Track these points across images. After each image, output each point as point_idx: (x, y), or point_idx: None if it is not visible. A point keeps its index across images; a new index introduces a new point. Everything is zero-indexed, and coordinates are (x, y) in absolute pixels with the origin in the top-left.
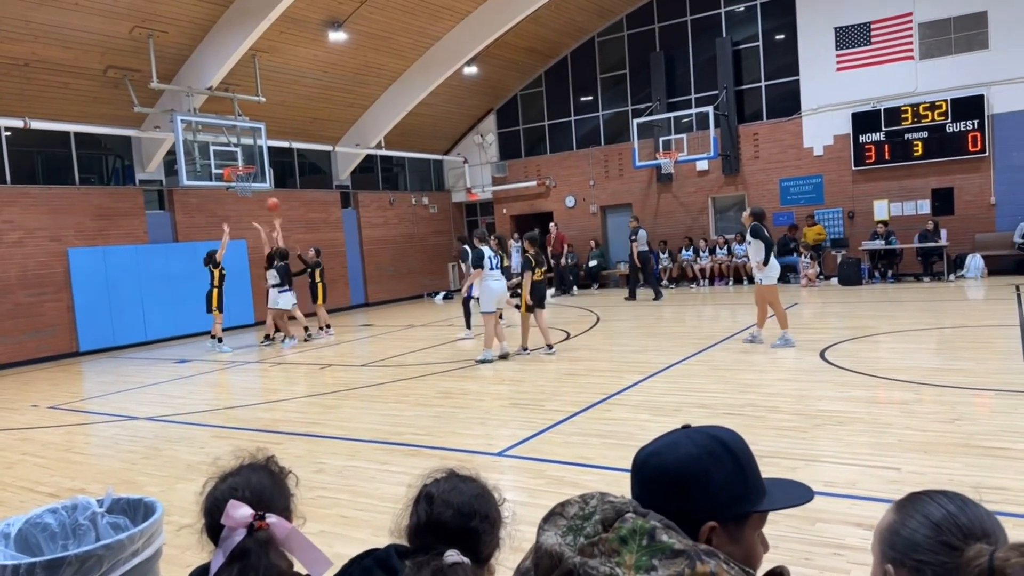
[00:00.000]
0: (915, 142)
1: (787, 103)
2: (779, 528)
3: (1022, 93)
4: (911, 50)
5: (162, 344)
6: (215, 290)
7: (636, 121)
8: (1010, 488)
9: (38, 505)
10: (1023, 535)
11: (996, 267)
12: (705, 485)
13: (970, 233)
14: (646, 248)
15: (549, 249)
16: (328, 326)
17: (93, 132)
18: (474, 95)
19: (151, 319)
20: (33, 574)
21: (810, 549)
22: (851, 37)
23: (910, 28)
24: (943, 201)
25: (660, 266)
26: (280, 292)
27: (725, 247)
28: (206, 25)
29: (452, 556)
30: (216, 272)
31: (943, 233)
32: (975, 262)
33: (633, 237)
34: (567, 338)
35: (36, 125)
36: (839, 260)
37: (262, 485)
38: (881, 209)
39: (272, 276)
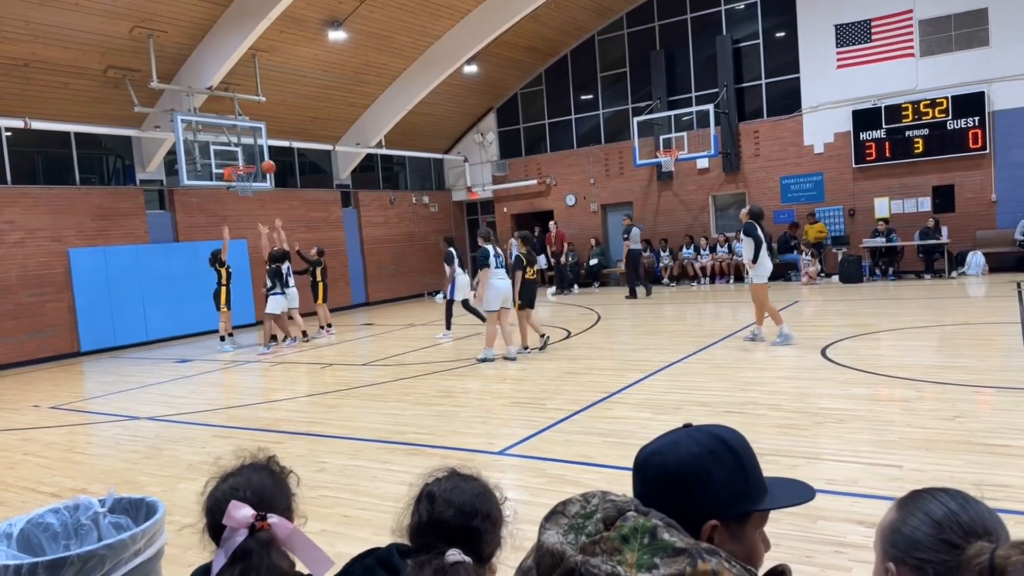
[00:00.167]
0: (916, 139)
1: (787, 101)
2: (780, 526)
3: (1023, 90)
4: (911, 47)
5: (163, 344)
6: (223, 288)
7: (636, 119)
8: (1012, 485)
9: (40, 505)
10: None
11: (997, 264)
12: (707, 484)
13: (971, 230)
14: (638, 247)
15: (550, 248)
16: (329, 325)
17: (93, 132)
18: (474, 94)
19: (152, 319)
20: (35, 574)
21: (811, 547)
22: (851, 34)
23: (910, 25)
24: (944, 198)
25: (661, 264)
26: (271, 295)
27: (726, 245)
28: (206, 25)
29: (454, 555)
30: (223, 271)
31: (944, 230)
32: (976, 259)
33: (625, 236)
34: (568, 336)
35: (36, 125)
36: (840, 258)
37: (263, 485)
38: (882, 206)
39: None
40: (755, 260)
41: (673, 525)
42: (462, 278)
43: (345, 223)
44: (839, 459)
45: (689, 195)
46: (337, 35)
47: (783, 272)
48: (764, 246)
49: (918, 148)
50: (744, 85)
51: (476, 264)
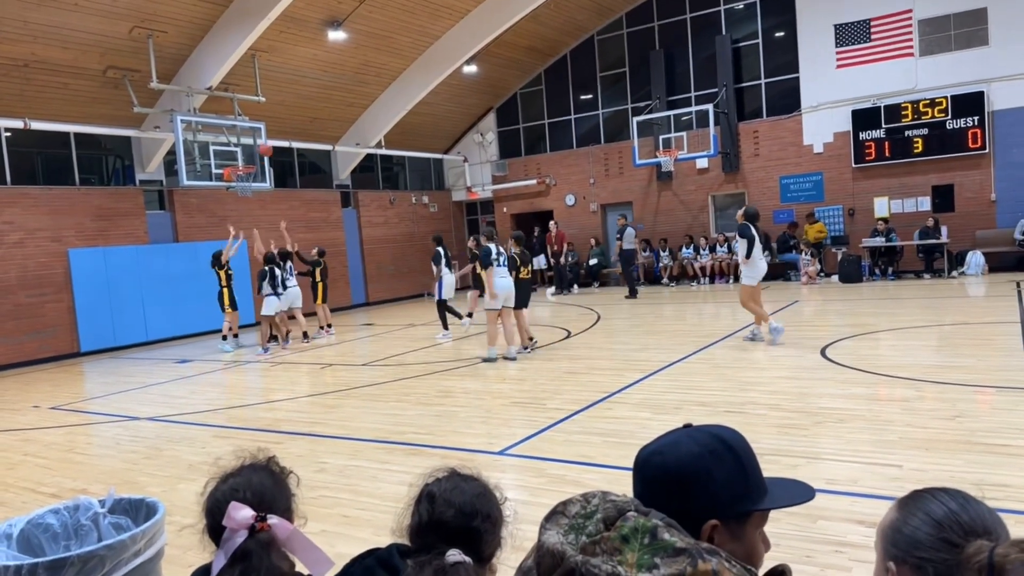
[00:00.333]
0: (915, 139)
1: (787, 100)
2: (781, 526)
3: (1022, 89)
4: (911, 47)
5: (163, 344)
6: (224, 290)
7: (636, 119)
8: (1012, 485)
9: (40, 506)
10: None
11: (997, 264)
12: (707, 484)
13: (970, 230)
14: (632, 247)
15: (551, 248)
16: (329, 325)
17: (93, 132)
18: (474, 94)
19: (152, 319)
20: (35, 575)
21: (812, 547)
22: (851, 34)
23: (910, 25)
24: (943, 198)
25: (661, 264)
26: (266, 297)
27: (725, 245)
28: (205, 25)
29: (454, 555)
30: (222, 273)
31: (943, 230)
32: (976, 259)
33: (619, 236)
34: (568, 336)
35: (36, 126)
36: (840, 257)
37: (263, 486)
38: (881, 206)
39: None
40: (747, 258)
41: (673, 525)
42: (448, 277)
43: (345, 223)
44: (839, 459)
45: (689, 195)
46: (337, 35)
47: (783, 272)
48: (759, 248)
49: (917, 148)
50: (743, 85)
51: (481, 262)
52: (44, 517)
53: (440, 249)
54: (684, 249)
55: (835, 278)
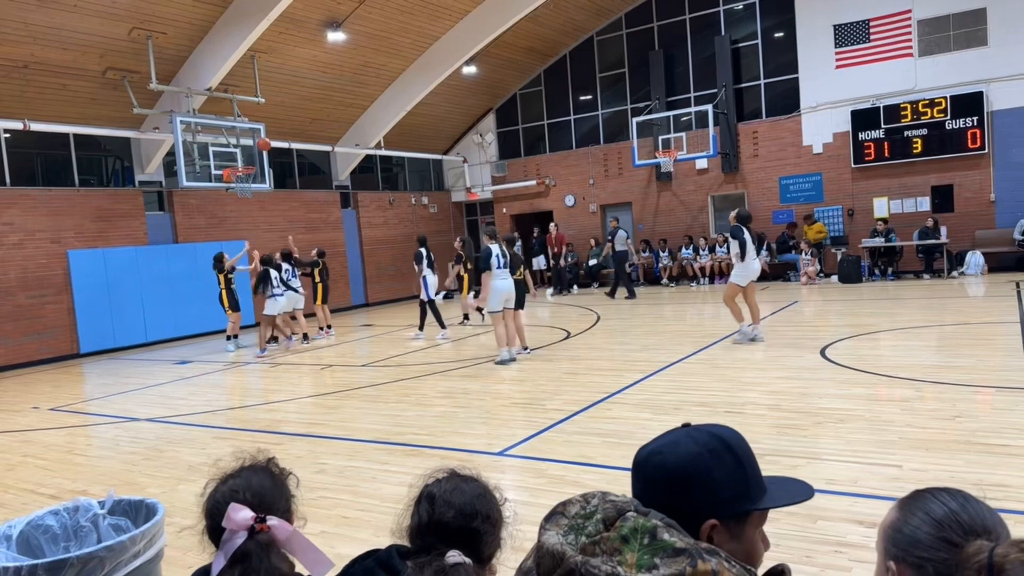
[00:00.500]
0: (914, 139)
1: (786, 101)
2: (780, 526)
3: (1021, 90)
4: (910, 47)
5: (163, 345)
6: (223, 292)
7: (635, 120)
8: (1012, 485)
9: (40, 507)
10: None
11: (996, 264)
12: (706, 483)
13: (970, 230)
14: (624, 249)
15: (551, 249)
16: (329, 327)
17: (92, 134)
18: (473, 95)
19: (151, 320)
20: None
21: (811, 547)
22: (850, 34)
23: (909, 25)
24: (943, 198)
25: (660, 264)
26: (269, 298)
27: (725, 245)
28: (205, 26)
29: (454, 556)
30: (221, 277)
31: (943, 230)
32: (975, 259)
33: (610, 237)
34: (567, 337)
35: (35, 127)
36: (839, 258)
37: (263, 487)
38: (881, 206)
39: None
40: (742, 258)
41: (673, 525)
42: (431, 277)
43: (344, 224)
44: (839, 459)
45: (688, 195)
46: (336, 36)
47: (782, 272)
48: (752, 249)
49: (917, 148)
50: (743, 85)
51: (478, 264)
52: (44, 518)
53: (423, 250)
54: (684, 250)
55: (835, 278)
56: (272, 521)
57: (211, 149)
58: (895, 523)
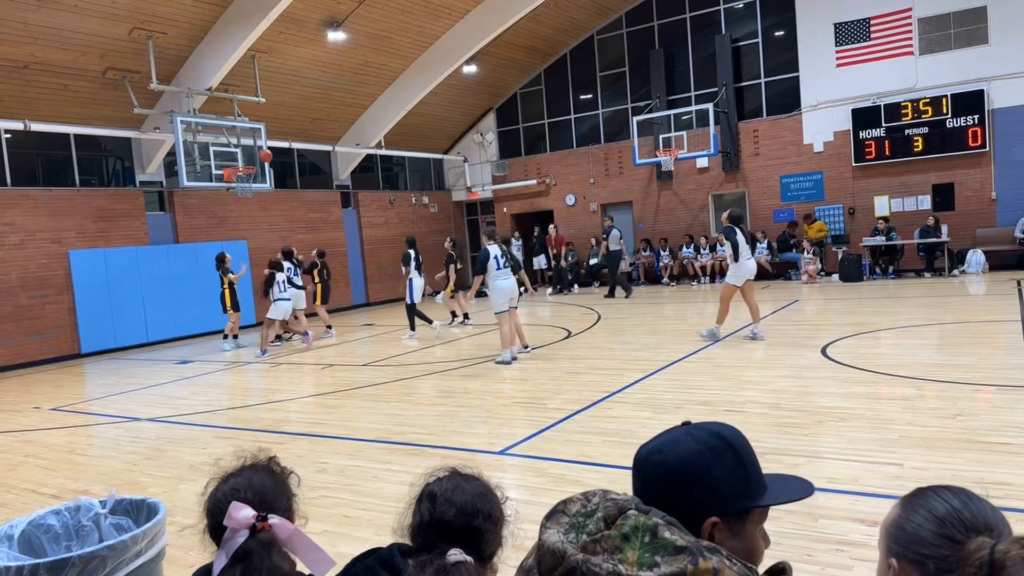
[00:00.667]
0: (915, 138)
1: (787, 100)
2: (781, 524)
3: (1022, 88)
4: (911, 45)
5: (163, 345)
6: (225, 291)
7: (636, 119)
8: (1013, 483)
9: (41, 507)
10: None
11: (997, 262)
12: (706, 481)
13: (971, 228)
14: (618, 248)
15: (551, 249)
16: (329, 327)
17: (93, 134)
18: (474, 94)
19: (152, 320)
20: (37, 575)
21: (812, 545)
22: (850, 33)
23: (909, 23)
24: (944, 197)
25: (661, 263)
26: (276, 301)
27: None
28: (205, 26)
29: (455, 555)
30: (224, 277)
31: (944, 229)
32: (976, 257)
33: (604, 237)
34: (568, 336)
35: (36, 127)
36: (840, 256)
37: (264, 486)
38: (882, 205)
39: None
40: (736, 259)
41: (674, 523)
42: (418, 280)
43: (345, 224)
44: (840, 457)
45: (689, 194)
46: (336, 36)
47: (783, 271)
48: (745, 249)
49: (918, 146)
50: (743, 84)
51: (475, 265)
52: (45, 518)
53: (411, 252)
54: (684, 248)
55: (835, 277)
56: (274, 520)
57: (212, 149)
58: (897, 520)
